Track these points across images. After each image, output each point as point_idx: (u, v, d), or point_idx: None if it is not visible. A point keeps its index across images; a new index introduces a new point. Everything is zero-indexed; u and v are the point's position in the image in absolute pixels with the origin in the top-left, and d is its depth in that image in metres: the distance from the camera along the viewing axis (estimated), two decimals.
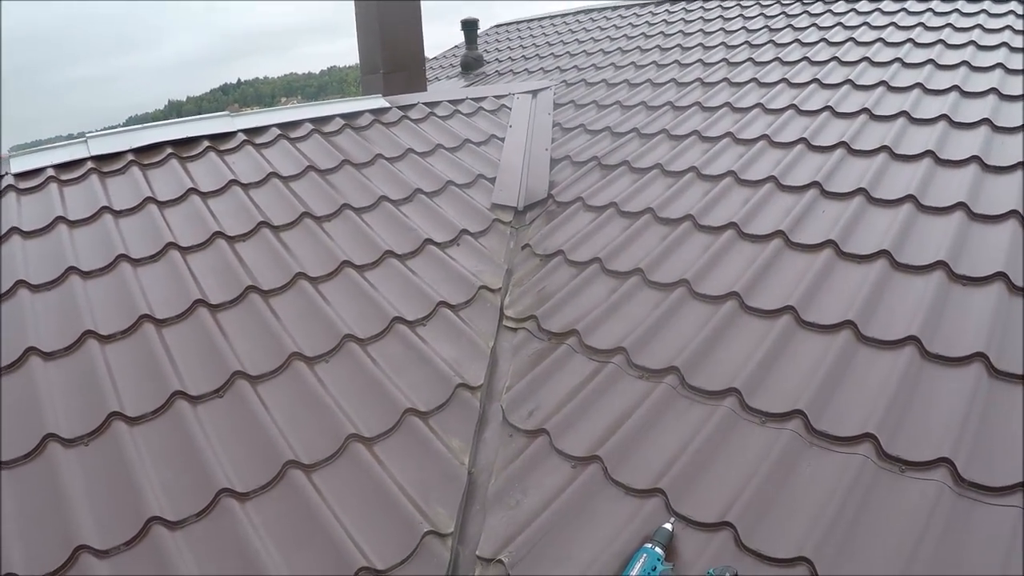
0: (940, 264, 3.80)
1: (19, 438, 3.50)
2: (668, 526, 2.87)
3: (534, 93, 7.92)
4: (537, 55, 10.87)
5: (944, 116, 5.27)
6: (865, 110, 5.61)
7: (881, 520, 2.71)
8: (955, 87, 5.73)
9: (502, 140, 6.70)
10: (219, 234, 4.90)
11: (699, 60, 7.93)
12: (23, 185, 5.45)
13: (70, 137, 6.16)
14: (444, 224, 5.28)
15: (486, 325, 4.41)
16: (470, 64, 12.05)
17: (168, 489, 3.30)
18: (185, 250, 4.78)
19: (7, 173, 5.56)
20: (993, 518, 2.63)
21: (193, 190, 5.39)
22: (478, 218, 5.43)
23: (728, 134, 5.80)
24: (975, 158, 4.65)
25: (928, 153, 4.82)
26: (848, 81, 6.24)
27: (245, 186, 5.53)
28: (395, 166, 6.01)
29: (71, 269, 4.51)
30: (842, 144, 5.17)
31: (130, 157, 5.80)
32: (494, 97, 7.71)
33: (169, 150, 5.93)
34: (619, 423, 3.44)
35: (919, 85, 5.86)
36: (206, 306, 4.29)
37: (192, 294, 4.34)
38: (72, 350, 4.00)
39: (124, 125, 6.44)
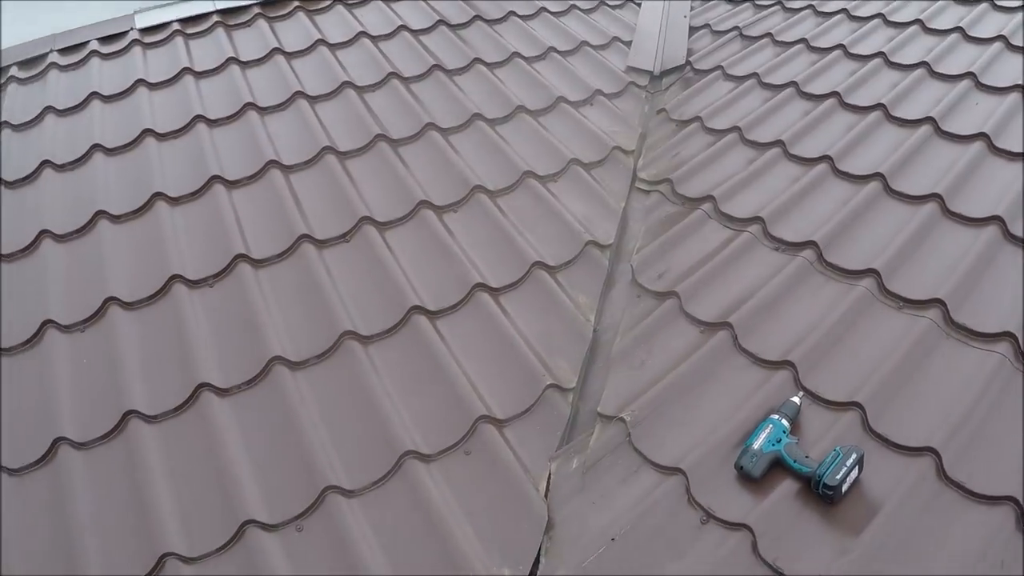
0: None
1: (145, 279, 3.60)
2: (796, 400, 2.82)
3: None
4: None
5: None
6: None
7: (1012, 422, 2.64)
8: None
9: (639, 5, 6.46)
10: (348, 84, 4.88)
11: None
12: (148, 40, 5.49)
13: None
14: (578, 83, 5.16)
15: (618, 185, 4.33)
16: None
17: (291, 331, 3.37)
18: (313, 99, 4.79)
19: (132, 29, 5.59)
20: None
21: (321, 41, 5.36)
22: (613, 80, 5.29)
23: (879, 15, 5.50)
24: None
25: None
26: None
27: (374, 38, 5.47)
28: (528, 24, 5.87)
29: (198, 118, 4.57)
30: (1000, 38, 4.86)
31: (256, 10, 5.77)
32: None
33: (296, 3, 5.87)
34: (751, 293, 3.37)
35: None
36: (334, 153, 4.31)
37: (320, 141, 4.36)
38: (198, 195, 4.08)
39: None
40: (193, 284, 3.58)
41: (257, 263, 3.67)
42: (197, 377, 3.12)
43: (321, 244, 3.78)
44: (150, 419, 3.02)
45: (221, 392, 3.11)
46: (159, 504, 2.72)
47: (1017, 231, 3.36)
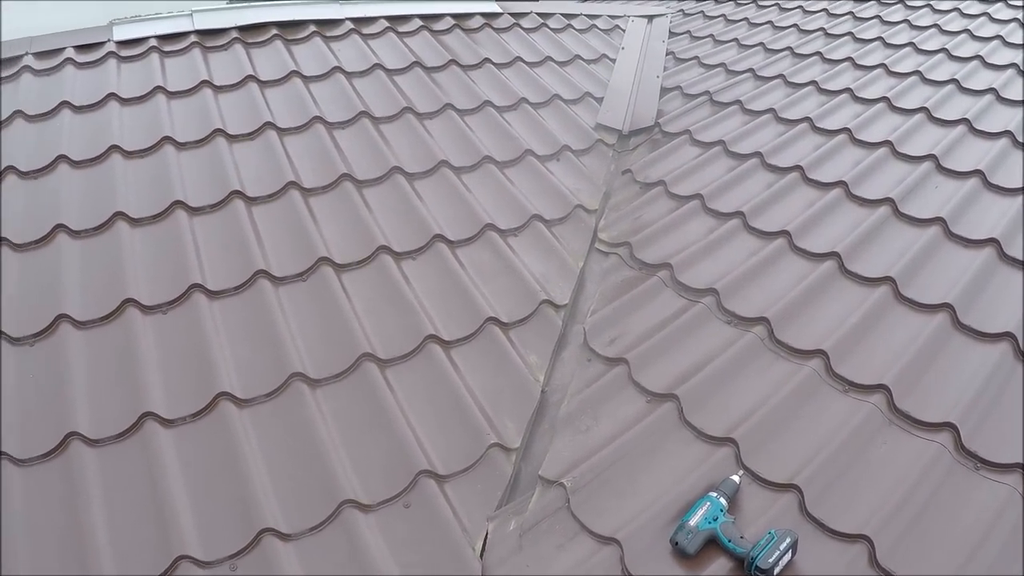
0: None
1: (100, 299, 3.58)
2: (735, 478, 2.83)
3: (650, 18, 7.69)
4: None
5: None
6: (992, 90, 5.35)
7: (948, 514, 2.66)
8: None
9: (613, 61, 6.53)
10: (318, 119, 4.89)
11: (824, 9, 7.63)
12: (124, 53, 5.49)
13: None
14: (546, 137, 5.20)
15: (578, 245, 4.34)
16: None
17: (241, 367, 3.35)
18: (282, 131, 4.79)
19: (109, 40, 5.59)
20: None
21: (296, 73, 5.38)
22: (581, 136, 5.33)
23: (847, 90, 5.60)
24: None
25: None
26: (977, 57, 5.96)
27: (349, 74, 5.50)
28: (502, 72, 5.91)
29: (166, 139, 4.56)
30: (964, 121, 4.96)
31: (234, 34, 5.80)
32: (609, 16, 7.50)
33: (274, 31, 5.91)
34: (700, 365, 3.39)
35: None
36: (298, 189, 4.31)
37: (286, 175, 4.35)
38: (160, 219, 4.06)
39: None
40: (147, 309, 3.55)
41: (212, 294, 3.66)
42: (143, 405, 3.09)
43: (278, 281, 3.76)
44: (92, 442, 2.99)
45: (166, 423, 3.08)
46: (94, 530, 2.69)
47: (966, 319, 3.39)
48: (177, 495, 2.83)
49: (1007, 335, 3.28)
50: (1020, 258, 3.73)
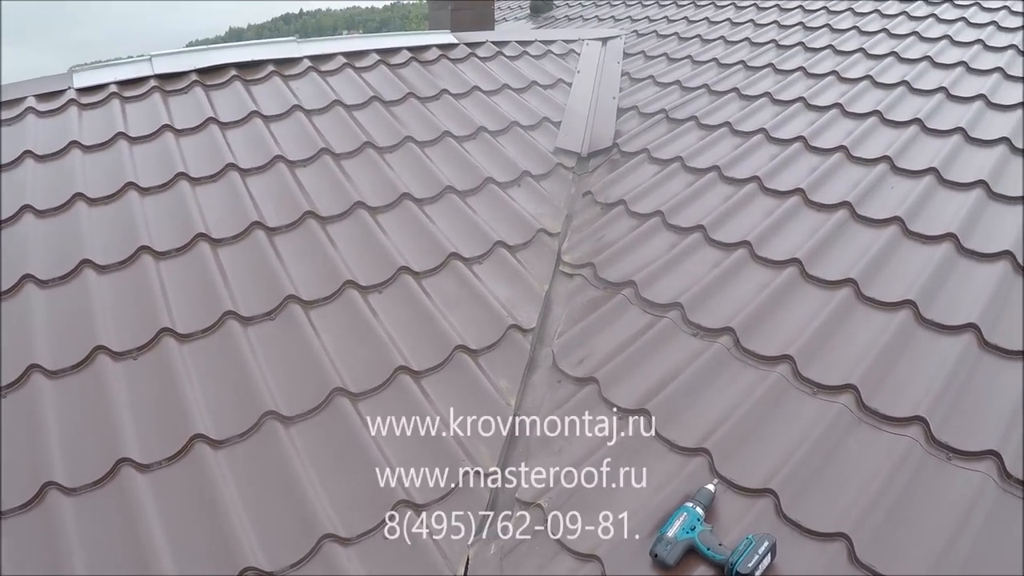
0: (1006, 254, 3.70)
1: (69, 349, 3.54)
2: (710, 487, 2.85)
3: (604, 41, 7.79)
4: (608, 3, 10.73)
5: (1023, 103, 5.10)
6: (942, 89, 5.45)
7: (923, 506, 2.68)
8: None
9: (569, 85, 6.61)
10: (280, 158, 4.90)
11: (775, 22, 7.76)
12: (85, 100, 5.48)
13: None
14: (506, 164, 5.24)
15: (542, 268, 4.37)
16: (539, 7, 11.99)
17: (214, 408, 3.34)
18: (245, 172, 4.79)
19: (70, 88, 5.59)
20: None
21: (256, 113, 5.39)
22: (541, 161, 5.38)
23: (800, 99, 5.68)
24: None
25: (1003, 140, 4.67)
26: (927, 58, 6.07)
27: (308, 112, 5.52)
28: (460, 102, 5.96)
29: (129, 184, 4.54)
30: (916, 121, 5.04)
31: (194, 77, 5.81)
32: (563, 41, 7.60)
33: (233, 72, 5.93)
34: (669, 379, 3.41)
35: (999, 69, 5.65)
36: (263, 228, 4.30)
37: (249, 216, 4.35)
38: (126, 264, 4.04)
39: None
40: (117, 356, 3.53)
41: (182, 338, 3.64)
42: (118, 451, 3.07)
43: (246, 321, 3.75)
44: (69, 491, 2.96)
45: (142, 468, 3.06)
46: None
47: (929, 314, 3.43)
48: (156, 539, 2.80)
49: (970, 326, 3.32)
50: (978, 250, 3.78)
